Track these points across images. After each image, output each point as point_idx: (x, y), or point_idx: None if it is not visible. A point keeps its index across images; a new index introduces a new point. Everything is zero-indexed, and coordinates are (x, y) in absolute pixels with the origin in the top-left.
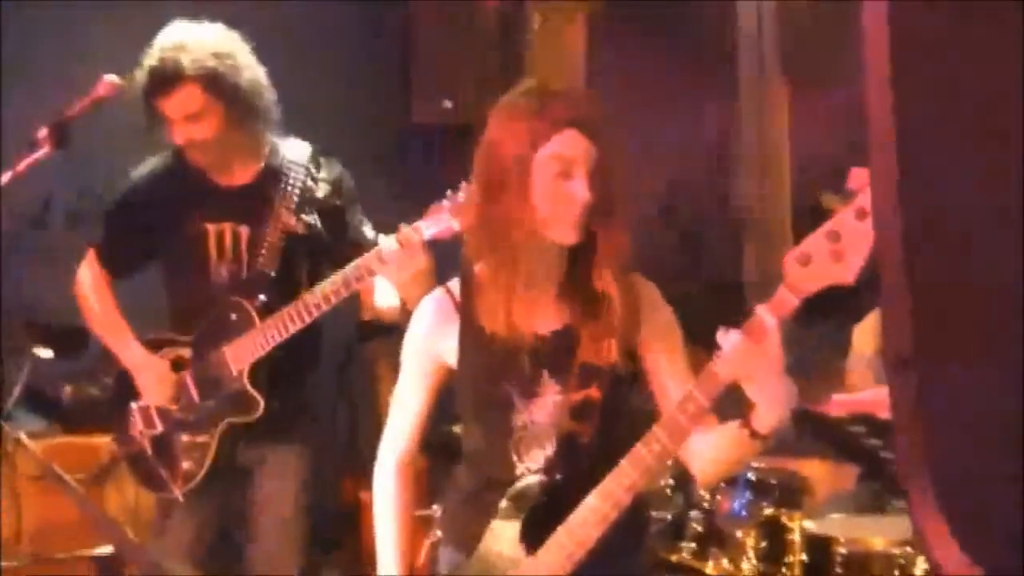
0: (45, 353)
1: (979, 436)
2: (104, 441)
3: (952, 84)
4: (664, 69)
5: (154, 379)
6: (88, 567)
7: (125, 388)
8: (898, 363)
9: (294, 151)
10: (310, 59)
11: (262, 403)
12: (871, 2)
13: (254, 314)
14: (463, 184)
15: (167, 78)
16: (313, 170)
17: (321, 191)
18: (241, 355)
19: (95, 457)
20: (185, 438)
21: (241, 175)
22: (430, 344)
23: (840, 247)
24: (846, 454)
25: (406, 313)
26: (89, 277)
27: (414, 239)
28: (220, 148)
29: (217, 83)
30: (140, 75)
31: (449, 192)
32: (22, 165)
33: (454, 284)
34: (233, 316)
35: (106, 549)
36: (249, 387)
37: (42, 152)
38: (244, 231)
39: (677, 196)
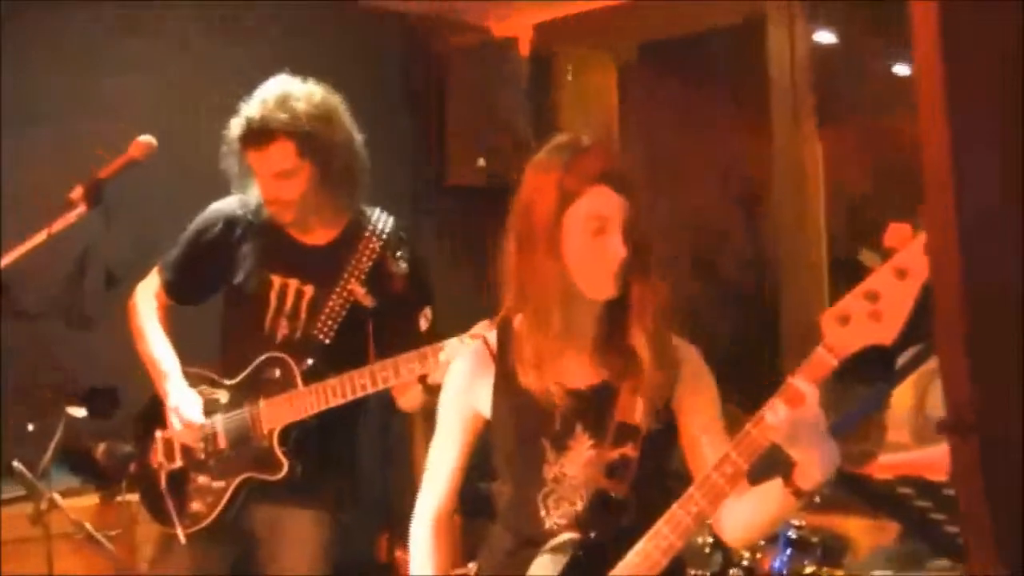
0: (78, 412)
1: None
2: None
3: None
4: (696, 117)
5: (182, 423)
6: None
7: (154, 413)
8: (959, 428)
9: (381, 222)
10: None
11: (286, 467)
12: (923, 42)
13: (298, 377)
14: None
15: (263, 131)
16: (394, 248)
17: (397, 270)
18: (276, 415)
19: (128, 516)
20: (202, 480)
21: (321, 235)
22: (466, 395)
23: (879, 307)
24: (894, 516)
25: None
26: (149, 297)
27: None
28: (304, 207)
29: (310, 142)
30: (236, 123)
31: None
32: (57, 225)
33: (491, 336)
34: (277, 373)
35: None
36: (277, 449)
37: (77, 212)
38: (309, 290)
39: (711, 248)
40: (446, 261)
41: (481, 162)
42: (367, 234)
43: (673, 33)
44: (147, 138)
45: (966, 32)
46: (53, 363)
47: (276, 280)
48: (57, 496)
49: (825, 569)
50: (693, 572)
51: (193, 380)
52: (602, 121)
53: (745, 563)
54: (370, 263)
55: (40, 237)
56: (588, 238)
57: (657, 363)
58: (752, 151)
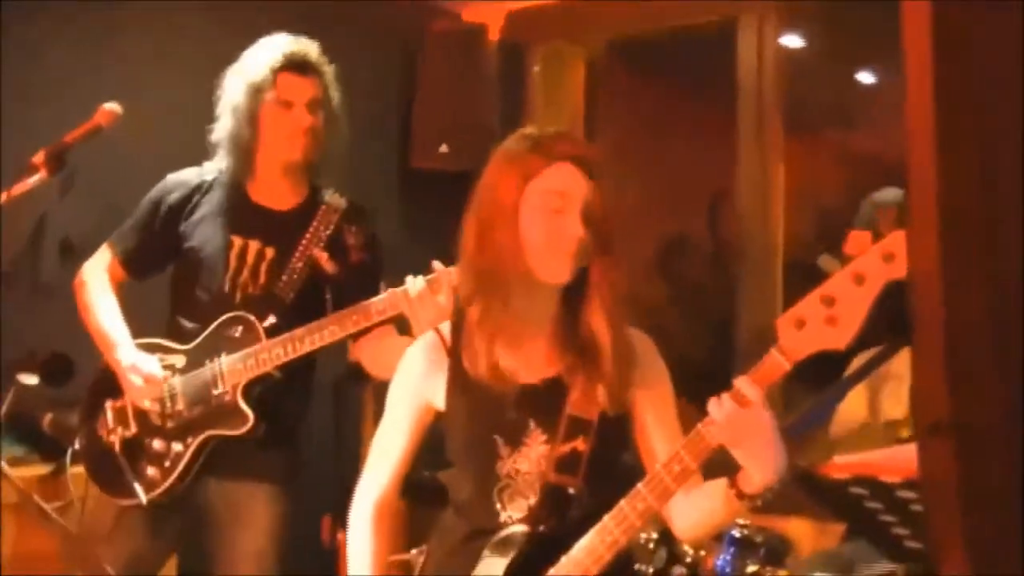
0: (30, 380)
1: (1012, 501)
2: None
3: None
4: (662, 114)
5: (142, 378)
6: None
7: (102, 385)
8: (931, 429)
9: (334, 199)
10: None
11: (251, 420)
12: (914, 53)
13: (261, 333)
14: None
15: (305, 61)
16: (349, 221)
17: (353, 241)
18: (240, 369)
19: (75, 487)
20: (158, 445)
21: (284, 200)
22: (419, 386)
23: (835, 312)
24: (845, 516)
25: None
26: (99, 273)
27: (444, 280)
28: (314, 146)
29: (326, 87)
30: (260, 60)
31: None
32: (17, 189)
33: (445, 327)
34: (239, 331)
35: None
36: (241, 402)
37: (38, 177)
38: (270, 252)
39: (673, 244)
40: (408, 243)
41: (444, 147)
42: (325, 205)
43: (644, 30)
44: (112, 105)
45: (958, 33)
46: (7, 330)
47: (236, 241)
48: (4, 465)
49: (768, 569)
50: (637, 567)
51: (146, 350)
52: (568, 114)
53: (689, 560)
54: (328, 232)
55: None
56: (546, 215)
57: (616, 352)
58: (717, 152)
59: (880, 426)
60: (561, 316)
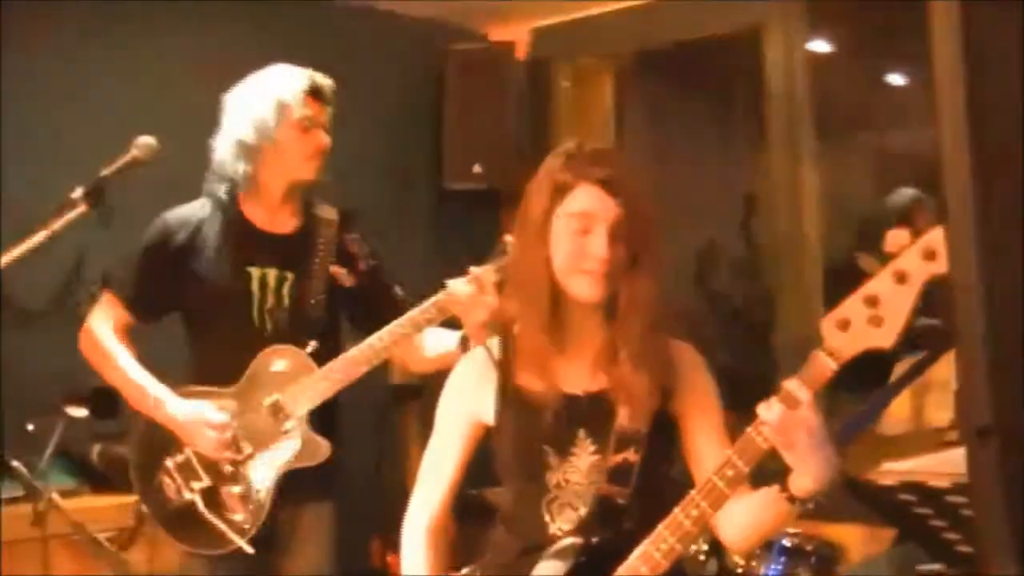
0: (79, 412)
1: None
2: (132, 500)
3: None
4: (693, 123)
5: (211, 427)
6: None
7: (150, 444)
8: (979, 433)
9: (327, 212)
10: (346, 126)
11: (328, 446)
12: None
13: (310, 360)
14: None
15: (322, 89)
16: (347, 230)
17: (358, 248)
18: (302, 401)
19: (123, 516)
20: (236, 490)
21: (285, 223)
22: (467, 402)
23: (879, 312)
24: (893, 522)
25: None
26: (108, 325)
27: (485, 278)
28: (320, 172)
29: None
30: (280, 86)
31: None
32: (58, 224)
33: (493, 343)
34: (285, 363)
35: None
36: (312, 433)
37: (78, 211)
38: (289, 276)
39: (707, 253)
40: (443, 265)
41: (477, 167)
42: (321, 221)
43: (671, 41)
44: (148, 139)
45: (988, 32)
46: (52, 363)
47: (254, 272)
48: (56, 496)
49: None
50: None
51: (192, 400)
52: (598, 127)
53: (739, 571)
54: (334, 246)
55: (40, 236)
56: (571, 236)
57: (638, 367)
58: (748, 160)
59: (926, 433)
60: (605, 334)
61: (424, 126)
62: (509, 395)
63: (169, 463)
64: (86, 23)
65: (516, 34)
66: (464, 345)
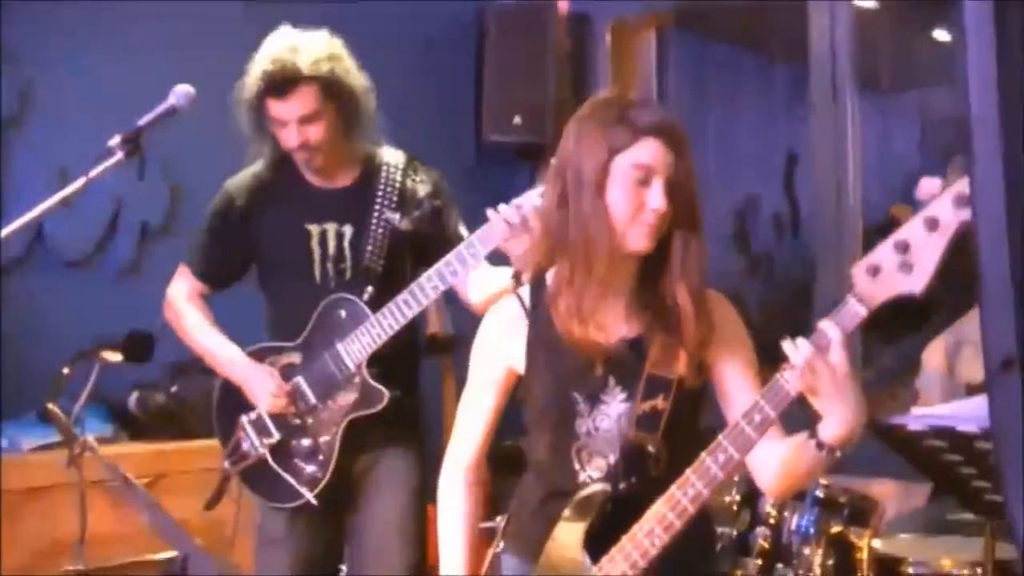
0: (114, 357)
1: None
2: (169, 448)
3: None
4: (734, 81)
5: (268, 387)
6: (153, 572)
7: (228, 402)
8: (1001, 365)
9: (391, 156)
10: (384, 79)
11: (386, 393)
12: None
13: (365, 308)
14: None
15: (284, 79)
16: (411, 173)
17: (421, 191)
18: (358, 348)
19: (160, 463)
20: (307, 442)
21: (343, 178)
22: (499, 349)
23: (909, 258)
24: (923, 469)
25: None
26: (184, 293)
27: (528, 207)
28: (330, 150)
29: (332, 85)
30: (249, 81)
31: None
32: (95, 171)
33: (524, 291)
34: (343, 313)
35: (170, 554)
36: (370, 380)
37: (115, 159)
38: (348, 230)
39: (748, 214)
40: (482, 218)
41: (517, 119)
42: (384, 166)
43: None
44: (186, 87)
45: None
46: (89, 310)
47: (313, 229)
48: (91, 439)
49: (852, 529)
50: (721, 529)
51: (258, 356)
52: (639, 84)
53: (772, 521)
54: (395, 191)
55: (78, 184)
56: (631, 187)
57: (698, 318)
58: (791, 118)
59: (960, 388)
60: (642, 282)
61: (465, 79)
62: (540, 343)
63: (243, 419)
64: None
65: None
66: (517, 279)
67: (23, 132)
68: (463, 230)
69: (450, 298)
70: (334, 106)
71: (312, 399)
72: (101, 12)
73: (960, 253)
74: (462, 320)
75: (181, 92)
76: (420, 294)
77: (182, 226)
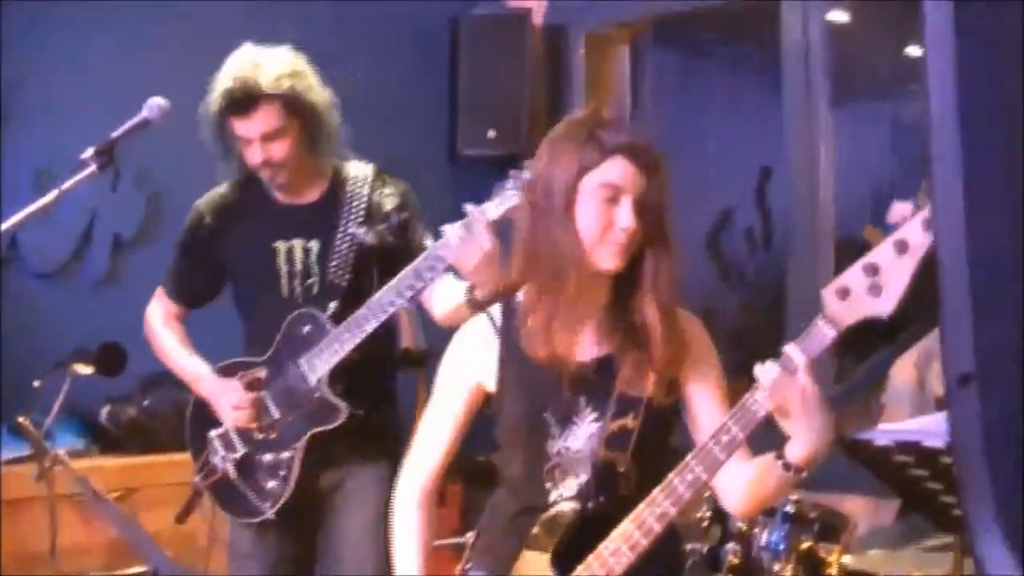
0: (85, 370)
1: None
2: (140, 461)
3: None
4: (708, 93)
5: (231, 401)
6: None
7: (200, 417)
8: (959, 380)
9: (358, 170)
10: (357, 92)
11: (344, 409)
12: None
13: (326, 323)
14: (527, 163)
15: (246, 97)
16: (379, 186)
17: (388, 204)
18: (318, 364)
19: (132, 477)
20: (268, 457)
21: (309, 194)
22: (469, 368)
23: (879, 280)
24: (890, 483)
25: (473, 303)
26: (160, 318)
27: (480, 221)
28: (294, 166)
29: (294, 101)
30: (212, 100)
31: (513, 171)
32: (68, 184)
33: (495, 310)
34: (307, 328)
35: (141, 568)
36: (329, 395)
37: (88, 172)
38: (315, 246)
39: (721, 227)
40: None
41: (492, 133)
42: (350, 180)
43: (687, 9)
44: (160, 100)
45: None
46: (61, 323)
47: (281, 246)
48: (62, 453)
49: (822, 545)
50: (691, 546)
51: (228, 372)
52: (614, 95)
53: (742, 537)
54: (362, 205)
55: (50, 196)
56: (600, 206)
57: (668, 337)
58: (764, 130)
59: (931, 402)
60: (612, 301)
61: (438, 91)
62: (511, 362)
63: (212, 434)
64: None
65: (532, 1)
66: (470, 294)
67: (15, 131)
68: (429, 242)
69: (423, 312)
70: (297, 123)
71: (276, 414)
72: (101, 12)
73: (931, 271)
74: (435, 334)
75: (154, 105)
76: (378, 310)
77: (156, 236)
